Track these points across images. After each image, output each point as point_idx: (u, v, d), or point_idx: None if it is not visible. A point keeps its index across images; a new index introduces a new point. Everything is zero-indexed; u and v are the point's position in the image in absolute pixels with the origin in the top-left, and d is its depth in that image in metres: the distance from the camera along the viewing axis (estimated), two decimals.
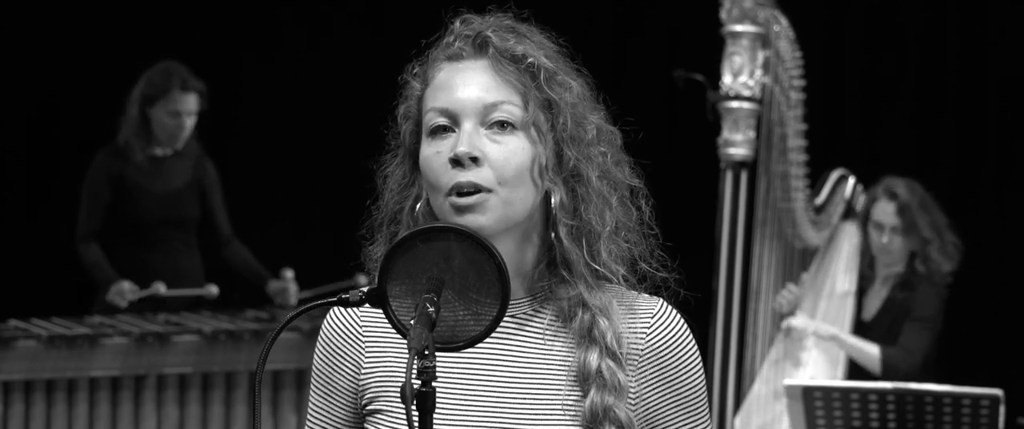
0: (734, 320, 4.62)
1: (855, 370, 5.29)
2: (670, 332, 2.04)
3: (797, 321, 5.25)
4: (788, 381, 4.64)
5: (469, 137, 1.96)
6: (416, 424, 1.72)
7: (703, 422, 2.08)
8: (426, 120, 2.01)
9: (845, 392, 4.49)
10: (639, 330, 2.03)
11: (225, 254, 6.04)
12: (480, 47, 2.02)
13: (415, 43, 2.10)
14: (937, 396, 4.42)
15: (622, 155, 2.08)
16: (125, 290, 5.68)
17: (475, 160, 1.95)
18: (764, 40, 4.63)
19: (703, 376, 2.08)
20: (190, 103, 5.80)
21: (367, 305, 1.84)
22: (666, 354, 2.03)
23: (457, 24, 2.06)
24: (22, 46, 6.84)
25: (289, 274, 5.99)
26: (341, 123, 6.56)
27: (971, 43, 6.79)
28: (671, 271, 2.08)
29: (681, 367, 2.04)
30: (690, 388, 2.05)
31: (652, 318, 2.04)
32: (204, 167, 5.97)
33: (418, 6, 2.22)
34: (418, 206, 2.03)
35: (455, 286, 1.81)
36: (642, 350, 2.02)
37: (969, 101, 6.81)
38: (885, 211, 5.37)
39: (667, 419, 2.05)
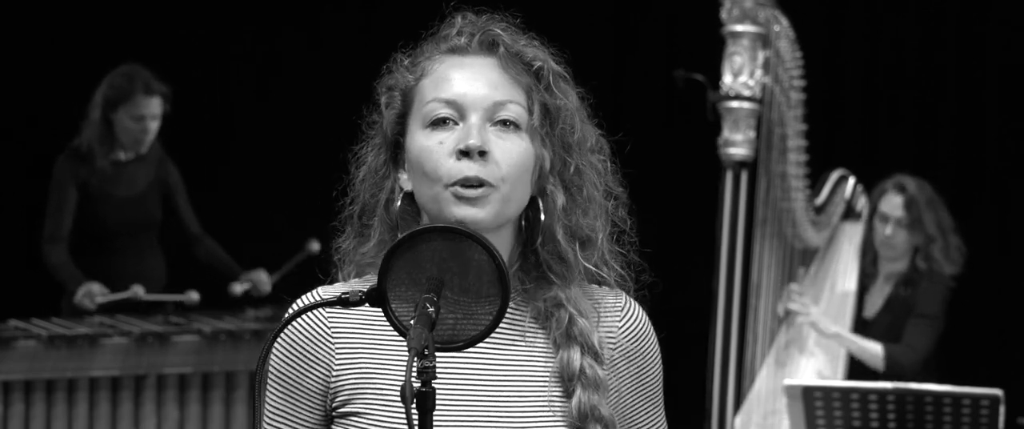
0: (734, 320, 4.61)
1: (855, 368, 5.29)
2: (640, 327, 2.07)
3: (796, 306, 5.23)
4: (788, 381, 4.64)
5: (479, 131, 1.96)
6: (416, 424, 1.72)
7: (661, 417, 2.11)
8: (426, 110, 1.99)
9: (845, 392, 4.49)
10: (611, 326, 2.05)
11: (196, 251, 5.95)
12: (490, 46, 2.02)
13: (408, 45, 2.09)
14: (937, 396, 4.42)
15: (612, 164, 2.09)
16: (94, 292, 5.58)
17: (483, 154, 1.95)
18: (764, 40, 4.63)
19: (662, 371, 2.11)
20: (154, 107, 5.68)
21: (367, 305, 1.82)
22: (637, 349, 2.06)
23: (458, 19, 2.05)
24: (13, 45, 6.83)
25: (264, 275, 5.91)
26: (336, 124, 6.54)
27: (971, 43, 6.79)
28: (651, 276, 2.10)
29: (649, 361, 2.08)
30: (656, 382, 2.09)
31: (621, 313, 2.06)
32: (166, 168, 5.86)
33: (413, 9, 2.22)
34: (397, 203, 2.02)
35: (455, 286, 1.80)
36: (615, 346, 2.05)
37: (969, 101, 6.81)
38: (892, 203, 5.38)
39: (636, 413, 2.08)
